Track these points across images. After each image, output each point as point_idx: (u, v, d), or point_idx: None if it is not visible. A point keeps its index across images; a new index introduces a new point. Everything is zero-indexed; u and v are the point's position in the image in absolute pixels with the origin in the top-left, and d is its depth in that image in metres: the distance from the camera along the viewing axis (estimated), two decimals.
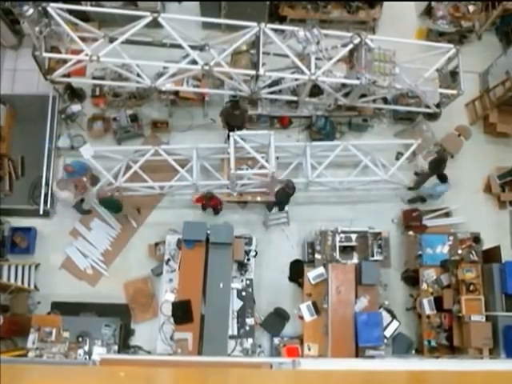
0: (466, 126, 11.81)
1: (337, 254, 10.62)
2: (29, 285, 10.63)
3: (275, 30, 10.48)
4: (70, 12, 10.24)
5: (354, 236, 10.81)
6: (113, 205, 10.66)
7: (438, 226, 11.12)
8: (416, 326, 10.68)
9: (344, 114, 11.73)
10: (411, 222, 11.02)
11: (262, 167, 10.26)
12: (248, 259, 10.51)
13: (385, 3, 12.23)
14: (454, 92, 10.96)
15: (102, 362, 5.38)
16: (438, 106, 11.38)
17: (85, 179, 10.11)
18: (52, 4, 9.88)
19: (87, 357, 9.64)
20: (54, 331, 9.71)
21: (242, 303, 10.28)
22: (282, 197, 10.48)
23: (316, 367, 5.34)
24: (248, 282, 10.41)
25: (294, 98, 11.24)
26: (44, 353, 9.62)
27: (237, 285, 10.34)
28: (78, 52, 10.24)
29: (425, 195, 11.28)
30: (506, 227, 11.53)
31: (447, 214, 11.36)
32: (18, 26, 11.25)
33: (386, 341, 10.04)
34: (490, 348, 9.61)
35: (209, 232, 10.23)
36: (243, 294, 10.34)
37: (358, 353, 9.83)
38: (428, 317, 10.26)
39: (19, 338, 10.04)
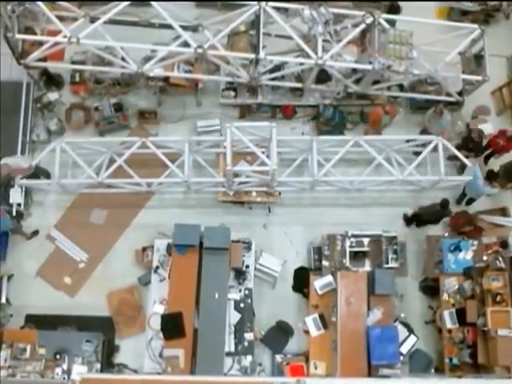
0: (482, 105, 11.72)
1: (347, 261, 10.63)
2: None
3: (277, 9, 10.50)
4: None
5: (366, 240, 10.81)
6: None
7: (494, 224, 10.95)
8: (436, 341, 10.68)
9: (355, 103, 11.75)
10: (462, 228, 10.92)
11: (263, 163, 10.27)
12: (247, 266, 10.52)
13: None
14: (479, 78, 10.98)
15: (82, 382, 5.41)
16: (460, 93, 11.40)
17: None
18: None
19: (66, 376, 9.64)
20: (28, 347, 9.72)
21: (239, 316, 10.28)
22: None
23: None
24: (247, 291, 10.42)
25: (299, 85, 11.25)
26: (17, 371, 9.63)
27: (234, 295, 10.34)
28: (55, 33, 10.26)
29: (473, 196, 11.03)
30: None
31: (504, 214, 11.18)
32: None
33: (402, 358, 10.03)
34: None
35: (203, 236, 10.24)
36: (241, 305, 10.34)
37: (371, 372, 9.84)
38: (449, 331, 10.25)
39: None
